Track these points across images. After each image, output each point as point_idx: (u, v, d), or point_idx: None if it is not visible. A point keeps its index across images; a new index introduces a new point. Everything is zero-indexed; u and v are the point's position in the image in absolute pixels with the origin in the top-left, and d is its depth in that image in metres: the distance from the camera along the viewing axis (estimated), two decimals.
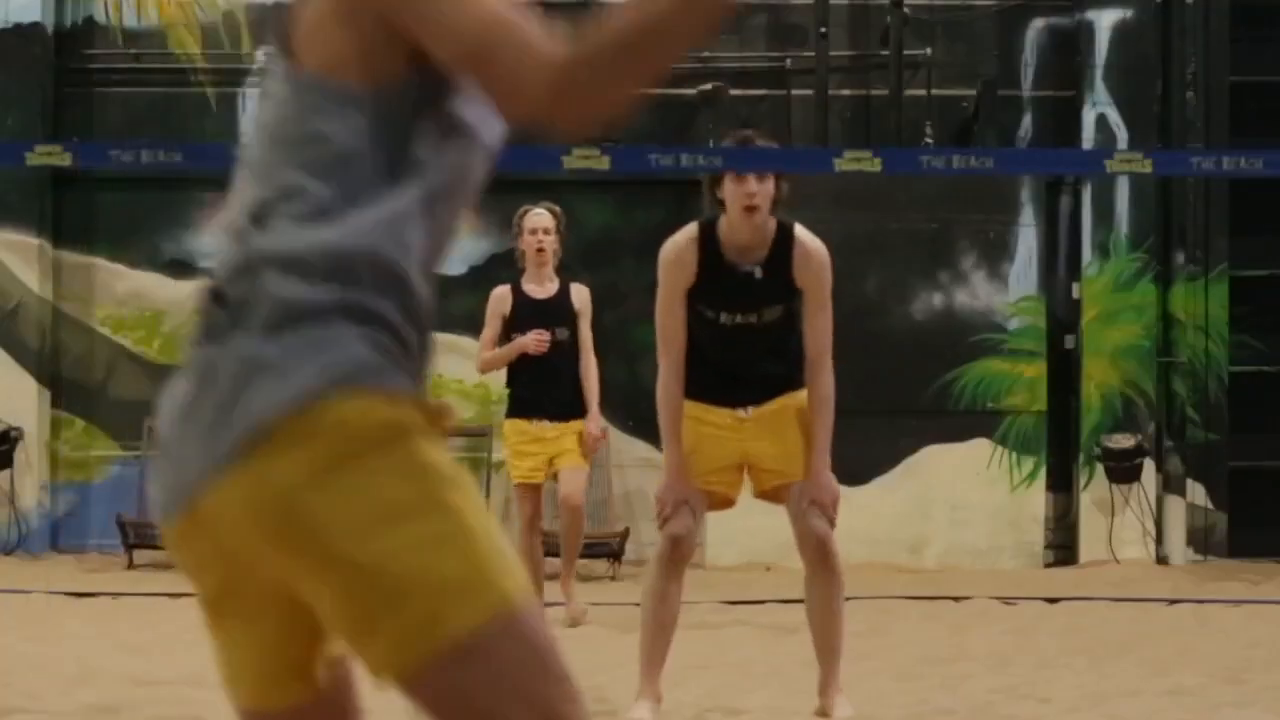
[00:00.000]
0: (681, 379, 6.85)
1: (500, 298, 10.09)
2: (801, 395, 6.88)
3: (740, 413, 6.89)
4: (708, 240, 6.86)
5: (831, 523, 6.82)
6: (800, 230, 6.94)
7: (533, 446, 10.02)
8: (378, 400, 2.48)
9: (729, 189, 6.85)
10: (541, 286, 10.02)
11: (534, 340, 9.88)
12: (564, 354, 10.00)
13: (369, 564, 2.42)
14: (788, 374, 6.90)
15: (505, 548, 2.49)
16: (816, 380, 6.80)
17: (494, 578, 2.44)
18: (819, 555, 6.87)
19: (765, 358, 6.90)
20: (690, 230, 6.94)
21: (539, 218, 10.00)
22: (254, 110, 5.01)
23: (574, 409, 10.04)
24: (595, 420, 10.07)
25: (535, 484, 10.10)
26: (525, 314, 9.98)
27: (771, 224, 6.89)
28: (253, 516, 2.47)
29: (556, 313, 10.00)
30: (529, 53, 2.48)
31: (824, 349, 6.83)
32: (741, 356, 6.90)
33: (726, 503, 7.12)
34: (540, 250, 9.97)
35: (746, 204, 6.77)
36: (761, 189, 6.82)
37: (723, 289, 6.82)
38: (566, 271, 10.40)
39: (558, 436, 9.99)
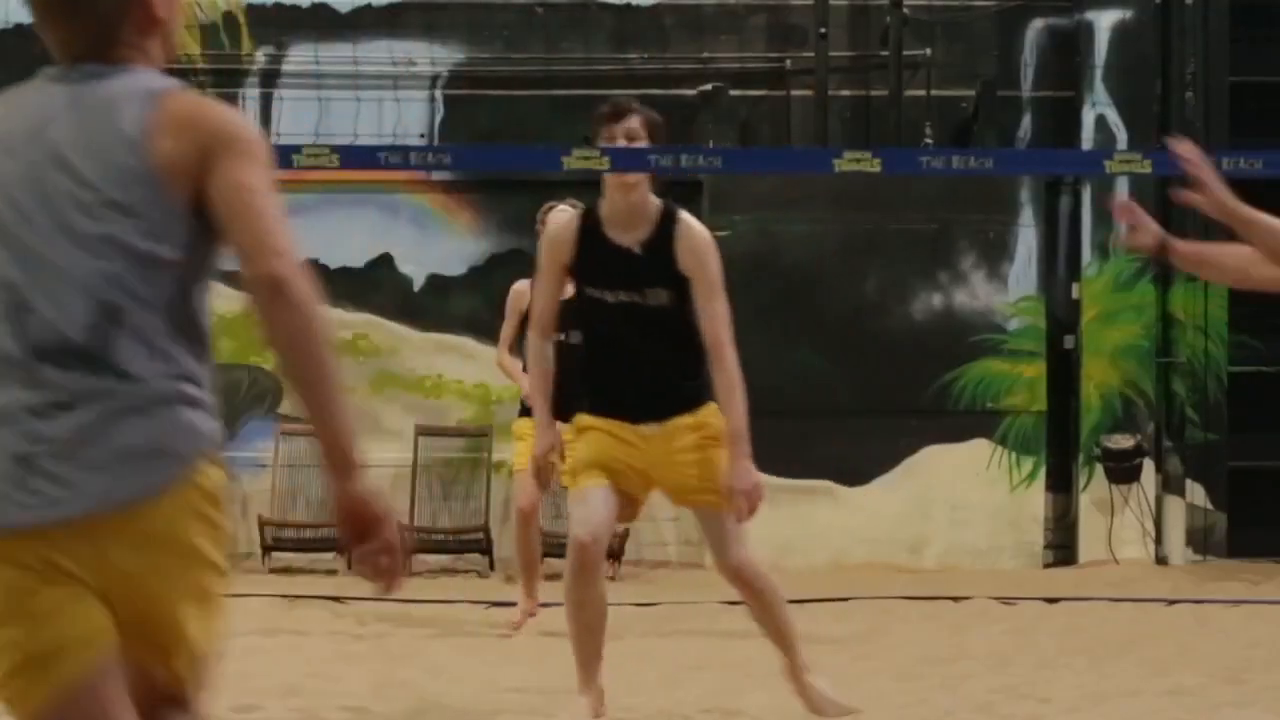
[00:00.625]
0: (550, 339, 6.98)
1: (520, 294, 9.95)
2: (705, 413, 6.77)
3: (642, 429, 6.75)
4: (588, 217, 6.90)
5: (752, 510, 6.63)
6: (685, 214, 6.87)
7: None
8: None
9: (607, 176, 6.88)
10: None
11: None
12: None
13: None
14: (687, 387, 6.77)
15: None
16: (720, 369, 6.70)
17: None
18: (740, 584, 6.84)
19: (660, 355, 6.77)
20: (574, 211, 7.08)
21: (564, 214, 9.90)
22: None
23: None
24: None
25: None
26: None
27: (655, 205, 6.82)
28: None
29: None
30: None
31: (722, 336, 6.74)
32: (635, 347, 6.79)
33: (632, 508, 6.96)
34: None
35: (620, 179, 6.77)
36: None
37: (602, 264, 6.78)
38: None
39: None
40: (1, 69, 15.08)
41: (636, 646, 9.38)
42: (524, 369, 9.67)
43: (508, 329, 10.04)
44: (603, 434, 6.79)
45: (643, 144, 6.85)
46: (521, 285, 9.95)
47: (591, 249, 6.82)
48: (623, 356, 6.84)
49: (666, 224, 6.79)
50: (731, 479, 6.59)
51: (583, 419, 6.86)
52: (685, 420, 6.74)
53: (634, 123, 6.87)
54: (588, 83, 13.90)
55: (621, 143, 6.85)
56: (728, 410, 6.66)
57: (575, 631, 6.84)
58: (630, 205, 6.78)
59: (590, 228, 6.86)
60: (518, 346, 9.89)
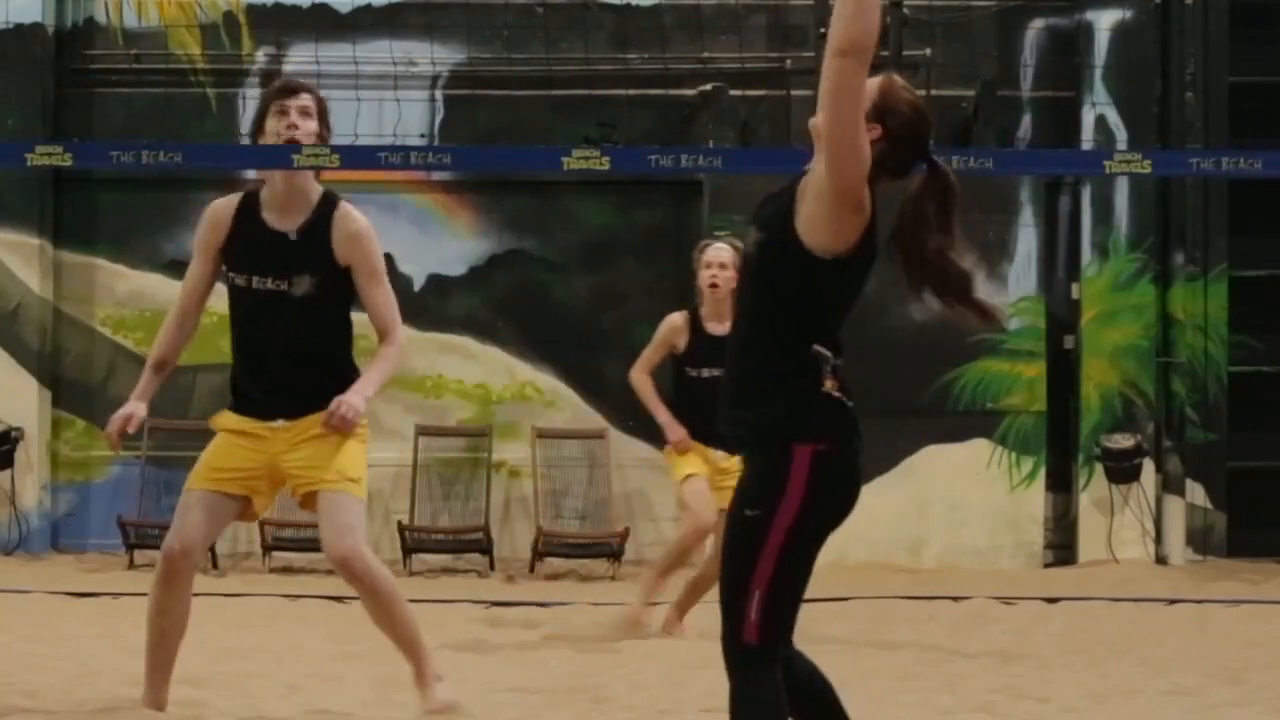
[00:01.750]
0: (186, 320, 6.93)
1: (675, 329, 9.63)
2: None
3: (272, 424, 6.71)
4: (247, 200, 6.83)
5: (339, 424, 6.56)
6: (345, 203, 6.84)
7: (705, 468, 9.50)
8: None
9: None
10: (721, 324, 9.23)
11: (678, 444, 9.47)
12: None
13: None
14: (326, 385, 6.67)
15: None
16: (386, 346, 6.71)
17: None
18: (350, 576, 6.64)
19: (299, 351, 6.70)
20: (234, 195, 6.93)
21: (718, 252, 9.50)
22: None
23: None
24: None
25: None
26: (702, 351, 9.47)
27: (316, 191, 6.80)
28: None
29: None
30: None
31: (390, 322, 6.73)
32: (273, 341, 6.69)
33: (249, 512, 6.85)
34: (714, 286, 9.43)
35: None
36: (301, 132, 6.76)
37: (253, 248, 6.71)
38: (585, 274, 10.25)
39: (727, 469, 9.23)
40: (1, 69, 15.13)
41: (637, 646, 9.37)
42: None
43: (652, 355, 9.70)
44: (230, 435, 6.79)
45: (313, 123, 6.78)
46: (677, 319, 9.67)
47: (247, 233, 6.76)
48: (259, 353, 6.81)
49: (326, 209, 6.77)
50: (339, 401, 6.56)
51: (222, 419, 6.86)
52: (319, 416, 6.66)
53: (306, 100, 6.83)
54: (588, 83, 13.91)
55: (294, 119, 6.77)
56: (371, 369, 6.69)
57: (152, 637, 6.71)
58: (291, 188, 6.73)
59: (249, 209, 6.80)
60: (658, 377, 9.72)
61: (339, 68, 13.52)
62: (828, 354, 4.93)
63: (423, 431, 13.69)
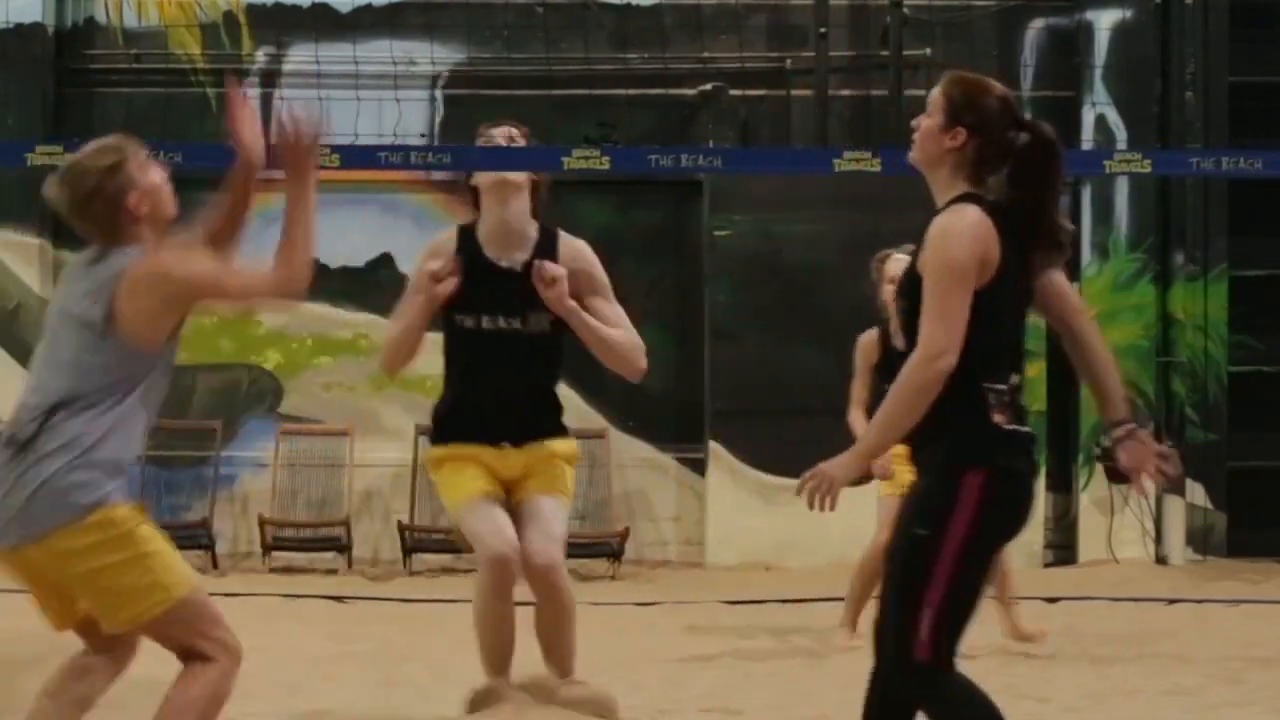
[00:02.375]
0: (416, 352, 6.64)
1: (868, 348, 9.41)
2: (561, 445, 6.71)
3: (500, 449, 6.64)
4: (464, 237, 6.71)
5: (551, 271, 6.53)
6: (564, 233, 6.81)
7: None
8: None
9: (484, 178, 6.71)
10: None
11: (881, 470, 8.88)
12: None
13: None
14: (548, 408, 6.69)
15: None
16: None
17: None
18: (544, 583, 6.55)
19: (529, 384, 6.68)
20: (448, 233, 6.81)
21: (898, 264, 9.11)
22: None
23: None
24: None
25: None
26: (896, 365, 9.31)
27: (532, 224, 6.75)
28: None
29: None
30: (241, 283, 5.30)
31: (632, 332, 6.75)
32: (503, 377, 6.62)
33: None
34: None
35: (500, 186, 6.61)
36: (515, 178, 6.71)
37: (482, 287, 6.59)
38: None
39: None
40: (1, 69, 15.12)
41: (637, 646, 9.38)
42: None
43: (860, 388, 9.34)
44: (462, 462, 6.65)
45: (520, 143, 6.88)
46: (869, 338, 9.47)
47: (471, 271, 6.60)
48: (487, 390, 6.67)
49: (547, 242, 6.70)
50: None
51: (444, 450, 6.72)
52: (548, 444, 6.70)
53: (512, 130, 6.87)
54: (588, 83, 13.90)
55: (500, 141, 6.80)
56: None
57: (489, 639, 6.62)
58: (510, 223, 6.67)
59: (468, 247, 6.66)
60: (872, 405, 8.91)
61: (339, 68, 13.52)
62: (996, 388, 4.84)
63: (423, 431, 13.68)
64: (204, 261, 5.22)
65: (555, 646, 6.72)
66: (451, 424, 6.70)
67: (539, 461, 6.68)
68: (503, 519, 6.52)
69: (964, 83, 4.98)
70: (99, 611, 5.27)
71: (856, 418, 9.15)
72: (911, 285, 4.92)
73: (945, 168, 4.95)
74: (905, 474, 9.14)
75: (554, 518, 6.60)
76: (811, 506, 4.83)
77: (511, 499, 6.66)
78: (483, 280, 6.56)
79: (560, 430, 6.75)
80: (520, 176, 6.74)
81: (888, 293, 9.22)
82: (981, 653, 9.19)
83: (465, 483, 6.58)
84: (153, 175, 5.24)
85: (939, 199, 5.00)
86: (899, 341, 9.18)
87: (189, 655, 5.21)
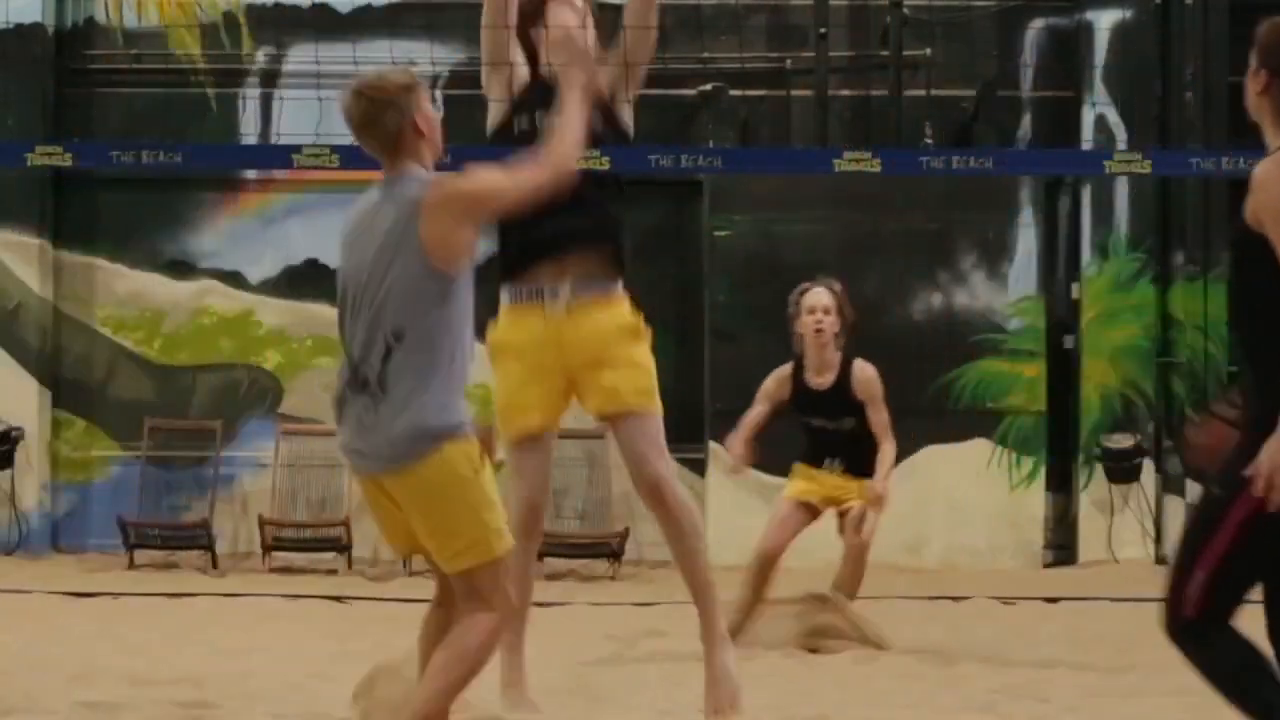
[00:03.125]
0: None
1: (780, 382, 9.37)
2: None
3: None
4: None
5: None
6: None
7: (813, 485, 9.40)
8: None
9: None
10: (821, 376, 9.24)
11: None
12: (855, 439, 9.25)
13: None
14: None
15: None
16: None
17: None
18: (652, 499, 7.24)
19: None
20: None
21: (818, 296, 9.28)
22: None
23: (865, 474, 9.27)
24: (882, 482, 9.21)
25: (805, 501, 9.43)
26: (803, 404, 9.32)
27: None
28: None
29: (837, 405, 9.22)
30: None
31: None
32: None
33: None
34: (819, 331, 9.18)
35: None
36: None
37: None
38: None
39: (843, 484, 9.34)
40: (1, 69, 15.14)
41: (637, 646, 9.37)
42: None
43: (755, 416, 9.36)
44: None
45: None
46: (782, 373, 9.44)
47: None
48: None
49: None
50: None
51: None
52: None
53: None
54: None
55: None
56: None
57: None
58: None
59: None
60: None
61: (339, 68, 13.47)
62: None
63: None
64: (485, 172, 5.61)
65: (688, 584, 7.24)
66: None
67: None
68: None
69: (1275, 27, 4.96)
70: (434, 548, 5.60)
71: (735, 441, 9.22)
72: (1241, 236, 4.81)
73: (1265, 114, 4.92)
74: (799, 482, 9.36)
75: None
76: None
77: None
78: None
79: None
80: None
81: (805, 325, 9.23)
82: (981, 653, 9.19)
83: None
84: (433, 110, 5.64)
85: (1269, 146, 4.98)
86: (813, 378, 9.42)
87: (472, 598, 5.55)
